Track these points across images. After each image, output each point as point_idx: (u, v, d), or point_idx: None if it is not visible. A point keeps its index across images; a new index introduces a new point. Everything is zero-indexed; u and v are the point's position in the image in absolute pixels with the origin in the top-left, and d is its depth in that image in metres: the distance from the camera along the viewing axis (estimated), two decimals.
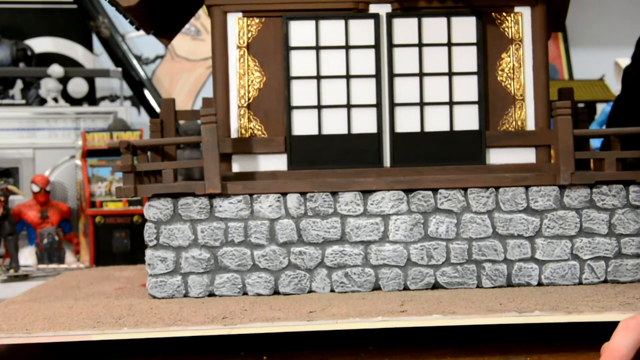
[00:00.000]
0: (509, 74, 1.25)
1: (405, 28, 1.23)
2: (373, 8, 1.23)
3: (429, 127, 1.23)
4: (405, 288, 1.18)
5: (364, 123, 1.23)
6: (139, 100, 2.93)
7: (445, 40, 1.23)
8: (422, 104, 1.23)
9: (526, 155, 1.24)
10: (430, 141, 1.23)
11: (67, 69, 2.63)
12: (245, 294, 1.18)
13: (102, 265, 2.00)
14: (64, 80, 2.63)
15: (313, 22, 1.23)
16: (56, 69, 2.59)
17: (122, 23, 2.78)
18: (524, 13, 1.24)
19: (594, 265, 1.18)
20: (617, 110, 1.77)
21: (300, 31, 1.23)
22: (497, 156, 1.24)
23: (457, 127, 1.23)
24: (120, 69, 2.80)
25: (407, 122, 1.23)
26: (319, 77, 1.23)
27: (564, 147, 1.17)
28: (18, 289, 1.63)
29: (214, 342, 1.02)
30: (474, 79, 1.24)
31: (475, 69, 1.23)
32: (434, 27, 1.23)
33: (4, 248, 1.94)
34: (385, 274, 1.18)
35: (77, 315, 1.04)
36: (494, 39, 1.24)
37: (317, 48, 1.23)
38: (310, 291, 1.18)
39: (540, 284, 1.19)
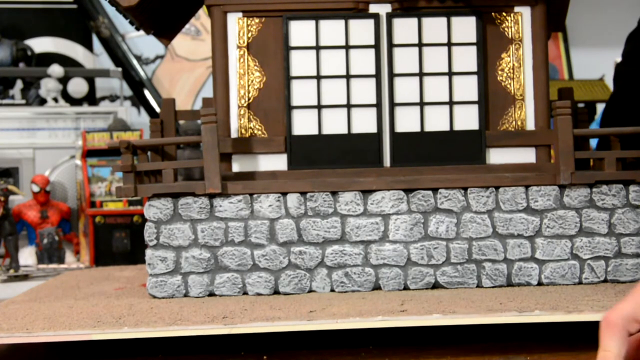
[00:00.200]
0: (509, 74, 1.25)
1: (405, 28, 1.23)
2: (373, 8, 1.23)
3: (429, 127, 1.23)
4: (406, 288, 1.18)
5: (364, 123, 1.23)
6: (139, 100, 2.93)
7: (445, 40, 1.23)
8: (422, 104, 1.23)
9: (526, 155, 1.24)
10: (430, 141, 1.23)
11: (67, 69, 2.63)
12: (245, 293, 1.18)
13: (102, 265, 2.00)
14: (64, 80, 2.63)
15: (313, 22, 1.23)
16: (56, 69, 2.59)
17: (122, 23, 2.77)
18: (524, 13, 1.24)
19: (594, 265, 1.18)
20: (611, 110, 1.77)
21: (300, 31, 1.23)
22: (497, 156, 1.24)
23: (457, 127, 1.23)
24: (120, 69, 2.80)
25: (407, 122, 1.23)
26: (319, 77, 1.23)
27: (564, 147, 1.17)
28: (18, 289, 1.63)
29: (214, 342, 1.02)
30: (473, 79, 1.24)
31: (475, 69, 1.23)
32: (434, 27, 1.23)
33: (4, 248, 1.94)
34: (385, 273, 1.18)
35: (78, 315, 1.05)
36: (494, 38, 1.24)
37: (317, 48, 1.23)
38: (310, 291, 1.18)
39: (540, 284, 1.19)
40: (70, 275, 1.59)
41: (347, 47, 1.23)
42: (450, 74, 1.23)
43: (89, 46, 2.95)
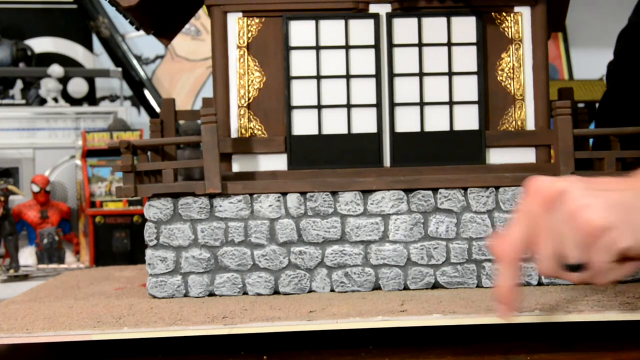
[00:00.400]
0: (509, 74, 1.25)
1: (405, 28, 1.23)
2: (373, 8, 1.23)
3: (429, 127, 1.23)
4: (406, 288, 1.18)
5: (364, 123, 1.23)
6: (139, 100, 2.93)
7: (445, 40, 1.23)
8: (422, 104, 1.23)
9: (526, 155, 1.24)
10: (430, 141, 1.23)
11: (67, 69, 2.63)
12: (245, 293, 1.18)
13: (102, 265, 1.99)
14: (64, 80, 2.63)
15: (313, 22, 1.23)
16: (56, 69, 2.59)
17: (122, 23, 2.78)
18: (524, 13, 1.24)
19: None
20: (604, 109, 1.77)
21: (300, 31, 1.23)
22: (497, 156, 1.24)
23: (457, 126, 1.23)
24: (120, 69, 2.80)
25: (407, 121, 1.23)
26: (319, 77, 1.23)
27: (564, 147, 1.17)
28: (18, 289, 1.63)
29: (214, 342, 1.02)
30: (473, 79, 1.24)
31: (475, 69, 1.23)
32: (434, 27, 1.23)
33: (4, 248, 1.94)
34: (385, 273, 1.18)
35: (78, 315, 1.05)
36: (494, 38, 1.25)
37: (317, 48, 1.23)
38: (310, 291, 1.18)
39: (540, 284, 1.19)
40: (70, 275, 1.59)
41: (347, 47, 1.23)
42: (450, 74, 1.23)
43: (89, 46, 2.95)
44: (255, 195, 1.18)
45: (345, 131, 1.22)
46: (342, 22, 1.23)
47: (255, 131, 1.23)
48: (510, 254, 0.86)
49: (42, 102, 2.62)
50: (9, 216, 1.93)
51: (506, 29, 1.25)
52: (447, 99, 1.23)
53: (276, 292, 1.18)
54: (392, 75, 1.23)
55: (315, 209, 1.18)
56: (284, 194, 1.18)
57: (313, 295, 1.15)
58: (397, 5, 1.23)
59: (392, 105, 1.23)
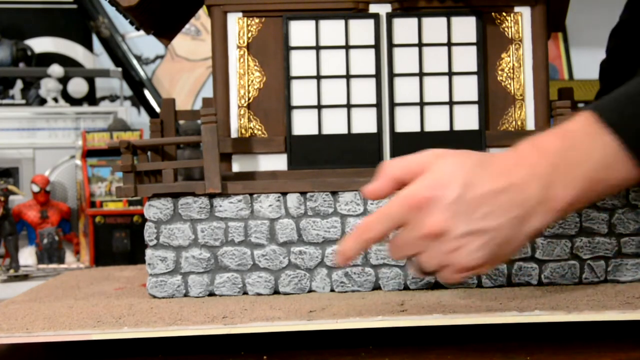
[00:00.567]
0: (509, 74, 1.25)
1: (405, 28, 1.23)
2: (373, 8, 1.23)
3: (429, 127, 1.23)
4: (406, 288, 1.18)
5: (364, 123, 1.23)
6: (139, 100, 2.93)
7: (445, 40, 1.23)
8: (422, 104, 1.23)
9: None
10: (430, 141, 1.23)
11: (67, 69, 2.63)
12: (245, 293, 1.18)
13: (102, 265, 2.00)
14: (64, 80, 2.63)
15: (313, 22, 1.23)
16: (56, 69, 2.59)
17: (122, 23, 2.78)
18: (524, 13, 1.24)
19: (594, 265, 1.18)
20: None
21: (300, 31, 1.23)
22: None
23: (457, 126, 1.23)
24: (120, 69, 2.80)
25: (407, 121, 1.23)
26: (319, 77, 1.23)
27: None
28: (18, 289, 1.63)
29: (214, 342, 1.02)
30: (473, 79, 1.24)
31: (475, 69, 1.24)
32: (434, 27, 1.23)
33: (4, 248, 1.94)
34: (385, 273, 1.18)
35: (78, 315, 1.05)
36: (494, 38, 1.25)
37: (317, 48, 1.23)
38: (310, 291, 1.18)
39: (540, 284, 1.19)
40: (70, 275, 1.59)
41: (347, 47, 1.23)
42: (450, 74, 1.23)
43: (89, 46, 2.95)
44: (255, 195, 1.18)
45: (345, 131, 1.23)
46: (342, 22, 1.23)
47: (255, 131, 1.23)
48: (368, 233, 0.91)
49: (42, 102, 2.62)
50: (9, 216, 1.93)
51: (506, 29, 1.25)
52: (447, 99, 1.23)
53: (276, 292, 1.18)
54: (392, 75, 1.23)
55: (315, 208, 1.18)
56: (284, 194, 1.18)
57: (313, 295, 1.15)
58: (397, 5, 1.23)
59: (392, 105, 1.23)
